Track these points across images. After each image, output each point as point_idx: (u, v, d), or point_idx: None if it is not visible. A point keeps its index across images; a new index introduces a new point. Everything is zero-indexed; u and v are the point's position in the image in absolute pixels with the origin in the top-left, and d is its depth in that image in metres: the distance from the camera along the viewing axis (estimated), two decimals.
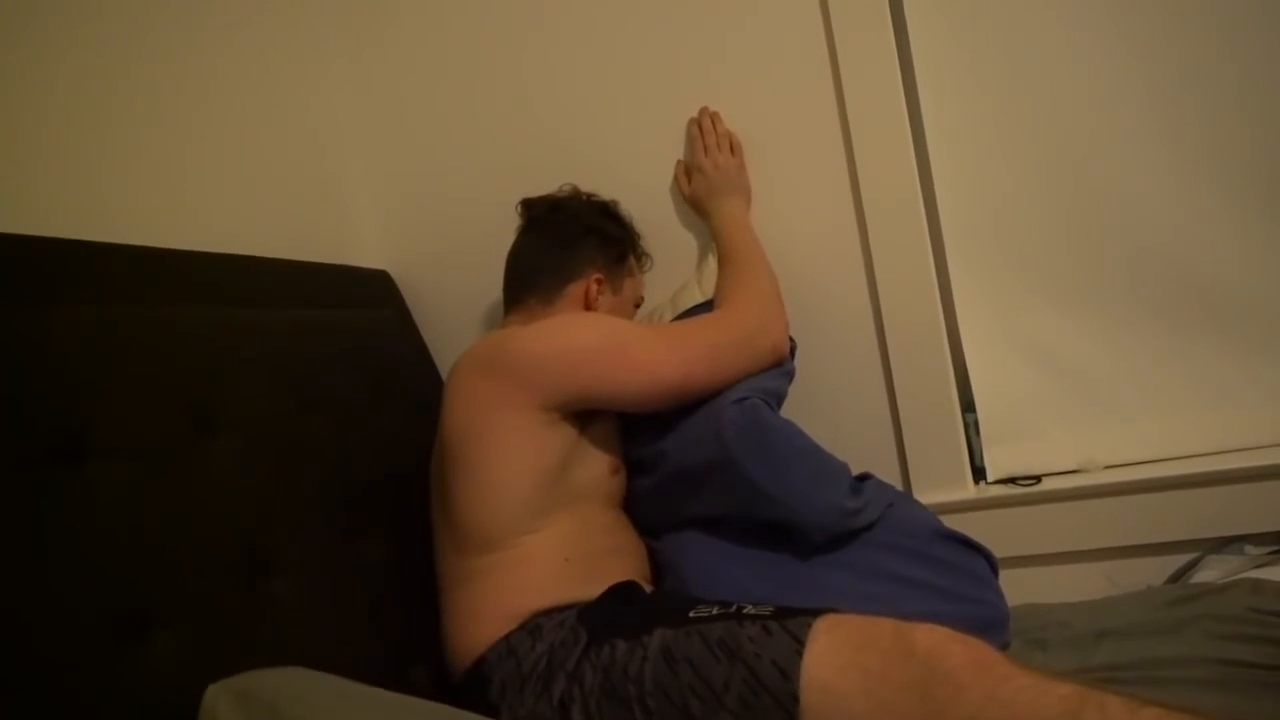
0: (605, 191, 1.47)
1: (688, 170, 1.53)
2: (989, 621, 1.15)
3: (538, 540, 1.15)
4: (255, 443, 1.09)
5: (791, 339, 1.35)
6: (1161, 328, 1.45)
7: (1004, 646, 1.15)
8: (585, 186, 1.47)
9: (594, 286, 1.36)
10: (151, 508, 0.91)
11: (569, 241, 1.38)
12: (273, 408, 1.15)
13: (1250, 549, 1.36)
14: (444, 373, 1.60)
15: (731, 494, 1.18)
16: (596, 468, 1.24)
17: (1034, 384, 1.51)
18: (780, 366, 1.30)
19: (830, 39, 1.46)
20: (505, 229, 1.46)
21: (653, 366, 1.19)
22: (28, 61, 1.05)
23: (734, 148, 1.50)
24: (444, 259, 1.68)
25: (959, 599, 1.15)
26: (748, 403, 1.17)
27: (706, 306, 1.38)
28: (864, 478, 1.26)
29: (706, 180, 1.48)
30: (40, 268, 0.93)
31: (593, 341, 1.20)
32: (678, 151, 1.56)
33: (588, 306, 1.36)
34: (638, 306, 1.50)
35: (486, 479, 1.16)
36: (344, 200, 1.67)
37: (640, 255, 1.50)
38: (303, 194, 1.55)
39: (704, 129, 1.51)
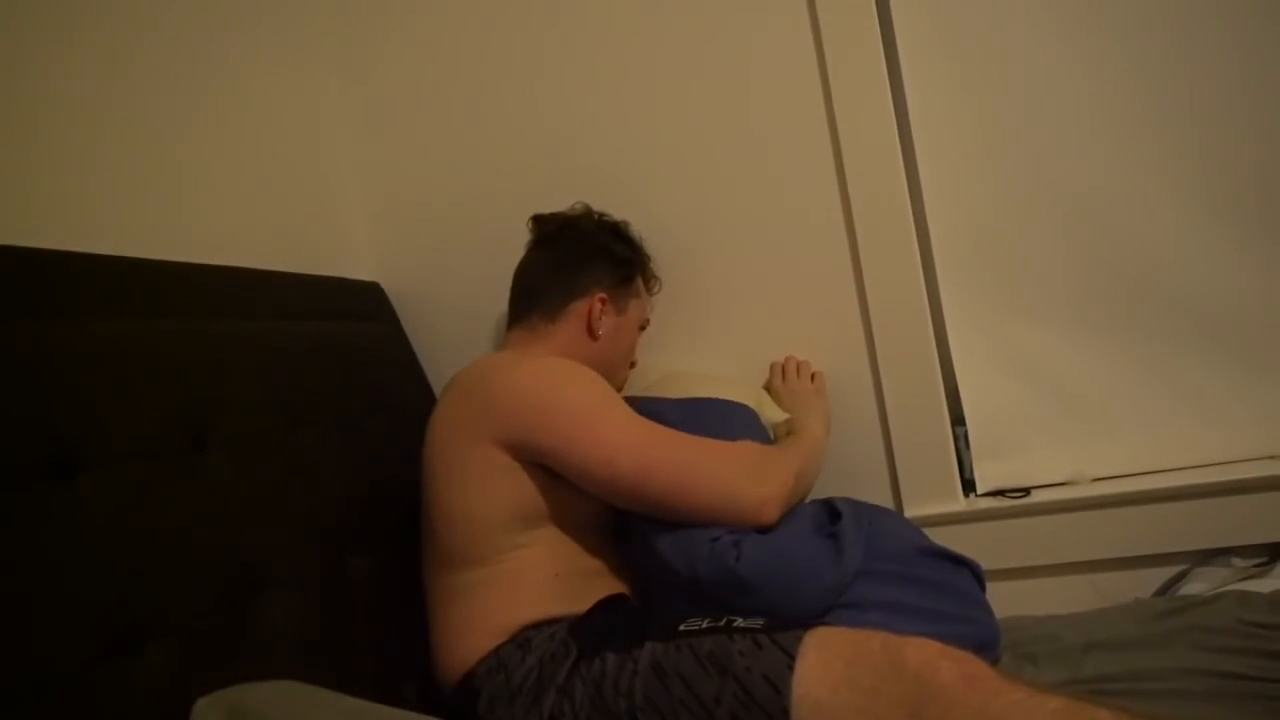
0: (604, 208, 1.47)
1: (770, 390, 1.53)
2: (980, 641, 1.14)
3: (527, 555, 1.15)
4: (246, 456, 1.08)
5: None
6: (1148, 343, 1.46)
7: (994, 662, 1.15)
8: (583, 201, 1.47)
9: (598, 305, 1.35)
10: (143, 521, 0.91)
11: (577, 260, 1.38)
12: (264, 421, 1.15)
13: (1237, 561, 1.37)
14: (435, 386, 1.61)
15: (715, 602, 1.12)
16: (583, 503, 1.18)
17: (1023, 398, 1.52)
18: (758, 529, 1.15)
19: (822, 59, 1.47)
20: (499, 242, 1.46)
21: (612, 449, 1.12)
22: (18, 72, 1.05)
23: (814, 376, 1.51)
24: (436, 271, 1.68)
25: (950, 619, 1.15)
26: (719, 544, 1.11)
27: (718, 404, 1.36)
28: (835, 514, 1.21)
29: (780, 402, 1.48)
30: (29, 280, 0.92)
31: (571, 401, 1.16)
32: (677, 169, 1.56)
33: (590, 325, 1.35)
34: (643, 328, 1.49)
35: (459, 504, 1.16)
36: (335, 211, 1.67)
37: (649, 278, 1.49)
38: (294, 204, 1.55)
39: (785, 360, 1.53)
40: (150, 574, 0.89)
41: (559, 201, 1.47)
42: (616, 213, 1.47)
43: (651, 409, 1.26)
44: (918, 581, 1.17)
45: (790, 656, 0.91)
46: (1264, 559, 1.36)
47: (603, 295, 1.37)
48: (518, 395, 1.16)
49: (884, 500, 1.49)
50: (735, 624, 0.99)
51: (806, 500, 1.27)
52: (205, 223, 1.31)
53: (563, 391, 1.17)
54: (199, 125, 1.33)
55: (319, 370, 1.32)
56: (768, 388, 1.53)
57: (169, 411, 1.00)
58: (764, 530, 1.14)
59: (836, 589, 1.13)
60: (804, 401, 1.45)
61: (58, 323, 0.93)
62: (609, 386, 1.23)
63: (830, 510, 1.23)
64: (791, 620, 0.98)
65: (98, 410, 0.92)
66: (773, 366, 1.54)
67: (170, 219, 1.24)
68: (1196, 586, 1.34)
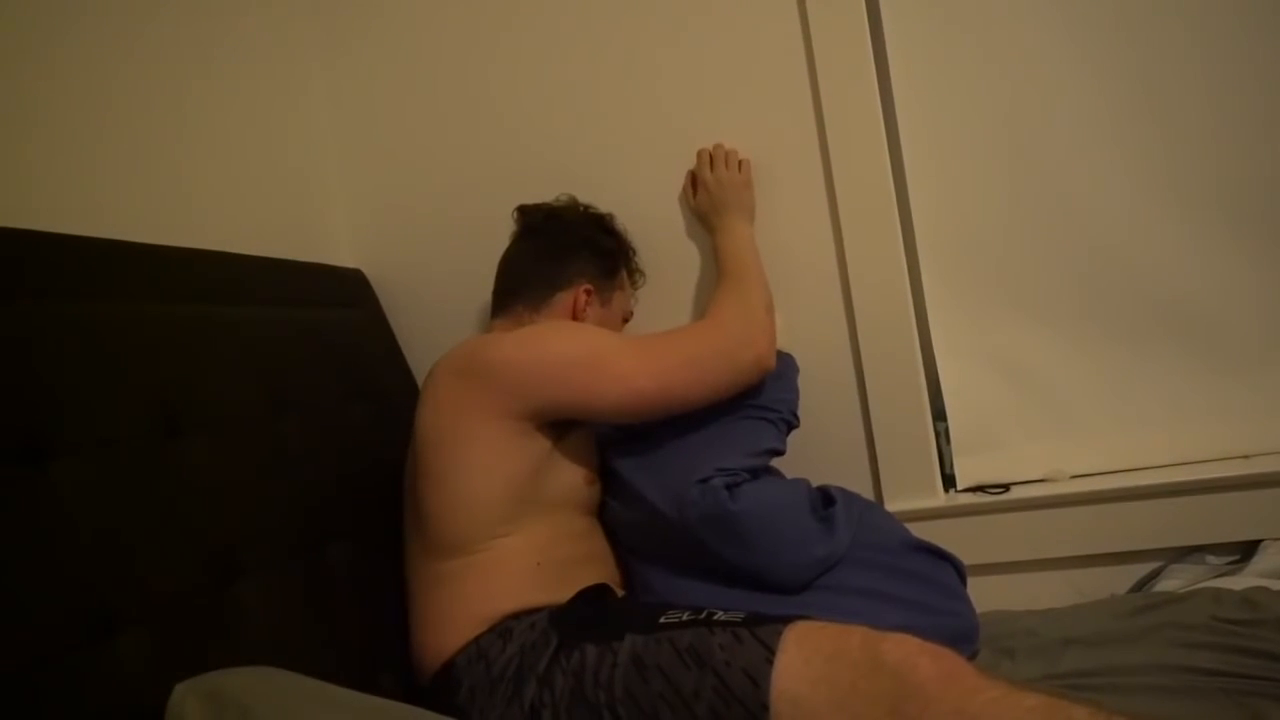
0: (590, 200, 1.46)
1: (694, 184, 1.53)
2: (959, 633, 1.15)
3: (510, 544, 1.15)
4: (225, 442, 1.07)
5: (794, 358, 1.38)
6: (1127, 344, 1.47)
7: (973, 655, 1.16)
8: (568, 192, 1.46)
9: (582, 297, 1.35)
10: (118, 507, 0.90)
11: (561, 252, 1.37)
12: (243, 407, 1.14)
13: (1211, 559, 1.38)
14: (417, 374, 1.60)
15: (701, 556, 1.18)
16: (571, 476, 1.23)
17: (1004, 395, 1.52)
18: (781, 387, 1.32)
19: (810, 53, 1.47)
20: (483, 230, 1.45)
21: (630, 378, 1.18)
22: (4, 59, 1.03)
23: (740, 165, 1.50)
24: (419, 259, 1.67)
25: (930, 611, 1.16)
26: (710, 484, 1.17)
27: None
28: (829, 500, 1.24)
29: (709, 194, 1.48)
30: (4, 261, 0.91)
31: (572, 352, 1.19)
32: (663, 162, 1.55)
33: (575, 317, 1.35)
34: (626, 321, 1.49)
35: (456, 485, 1.15)
36: (318, 197, 1.65)
37: (633, 270, 1.49)
38: (276, 189, 1.53)
39: (714, 148, 1.51)
40: (124, 561, 0.88)
41: (544, 192, 1.46)
42: (602, 205, 1.47)
43: None
44: (900, 572, 1.19)
45: (770, 651, 0.91)
46: (1236, 557, 1.37)
47: (587, 286, 1.36)
48: (516, 365, 1.17)
49: (865, 494, 1.48)
50: (715, 617, 0.99)
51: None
52: (186, 206, 1.29)
53: (558, 348, 1.20)
54: (181, 110, 1.31)
55: (299, 357, 1.31)
56: (695, 177, 1.52)
57: (144, 397, 0.99)
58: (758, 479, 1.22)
59: (823, 563, 1.16)
60: (733, 195, 1.47)
61: (31, 305, 0.91)
62: (586, 325, 1.33)
63: (825, 496, 1.25)
64: (771, 615, 0.98)
65: (71, 395, 0.90)
66: (700, 155, 1.52)
67: (150, 202, 1.23)
68: (1171, 583, 1.35)
